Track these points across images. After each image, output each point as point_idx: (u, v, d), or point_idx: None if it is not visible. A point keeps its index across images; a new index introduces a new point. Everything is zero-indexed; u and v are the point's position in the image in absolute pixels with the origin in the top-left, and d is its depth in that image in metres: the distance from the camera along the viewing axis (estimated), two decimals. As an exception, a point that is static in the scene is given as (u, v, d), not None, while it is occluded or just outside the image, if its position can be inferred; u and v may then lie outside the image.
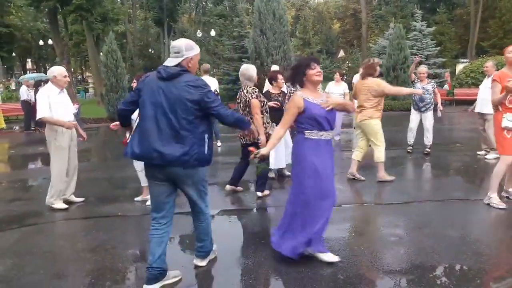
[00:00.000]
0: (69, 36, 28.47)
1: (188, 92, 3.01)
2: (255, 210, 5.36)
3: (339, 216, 4.70)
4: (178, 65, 3.09)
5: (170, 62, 3.12)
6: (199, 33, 32.59)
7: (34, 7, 23.36)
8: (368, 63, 6.32)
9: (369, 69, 6.21)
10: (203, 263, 3.63)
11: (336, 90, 9.99)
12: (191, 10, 48.50)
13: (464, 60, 28.39)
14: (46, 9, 22.67)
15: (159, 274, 3.23)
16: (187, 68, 3.13)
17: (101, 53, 19.77)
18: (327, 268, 3.52)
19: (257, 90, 5.45)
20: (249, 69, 5.46)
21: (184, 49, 3.11)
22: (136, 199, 5.76)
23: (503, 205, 4.96)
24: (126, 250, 4.13)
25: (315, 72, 3.54)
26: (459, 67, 24.30)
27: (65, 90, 5.59)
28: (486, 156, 7.83)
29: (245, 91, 5.44)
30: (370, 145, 6.49)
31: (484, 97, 7.65)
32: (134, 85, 5.92)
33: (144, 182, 5.38)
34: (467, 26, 32.12)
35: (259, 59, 16.98)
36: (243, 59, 20.33)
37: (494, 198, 5.04)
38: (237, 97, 5.67)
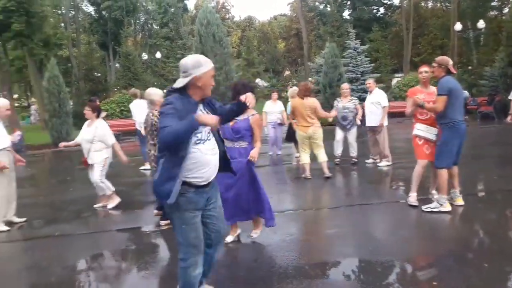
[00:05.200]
0: (10, 62, 27.79)
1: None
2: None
3: (282, 220, 5.29)
4: (186, 85, 2.84)
5: (177, 83, 2.86)
6: (144, 56, 32.76)
7: (-30, 34, 22.75)
8: (306, 86, 7.67)
9: (307, 91, 7.54)
10: None
11: (273, 109, 10.59)
12: (136, 33, 48.56)
13: (399, 75, 30.26)
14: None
15: None
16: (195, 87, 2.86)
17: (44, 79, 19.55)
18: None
19: None
20: (150, 94, 5.61)
21: (190, 67, 2.84)
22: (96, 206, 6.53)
23: (415, 203, 5.63)
24: (60, 266, 4.41)
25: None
26: (394, 81, 25.94)
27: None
28: (379, 164, 8.76)
29: (150, 114, 5.44)
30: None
31: (370, 111, 8.71)
32: (88, 112, 6.31)
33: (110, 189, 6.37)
34: (402, 43, 34.27)
35: (202, 80, 17.45)
36: (188, 81, 20.78)
37: (411, 197, 5.72)
38: (144, 121, 5.78)
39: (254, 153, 4.51)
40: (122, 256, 4.73)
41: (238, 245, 4.69)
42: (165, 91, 3.18)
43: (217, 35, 17.48)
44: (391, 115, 19.43)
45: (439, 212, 5.32)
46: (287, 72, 43.08)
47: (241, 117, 4.32)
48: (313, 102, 7.59)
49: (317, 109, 7.55)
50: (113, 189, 6.48)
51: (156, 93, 5.64)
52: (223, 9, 59.28)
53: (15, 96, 39.21)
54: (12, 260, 4.80)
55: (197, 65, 2.83)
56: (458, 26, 25.18)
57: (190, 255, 2.95)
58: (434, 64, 5.38)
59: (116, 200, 6.55)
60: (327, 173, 7.71)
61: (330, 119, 8.53)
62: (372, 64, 23.35)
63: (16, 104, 32.80)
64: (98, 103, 11.04)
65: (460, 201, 5.56)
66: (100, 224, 5.94)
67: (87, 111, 6.30)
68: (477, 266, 3.84)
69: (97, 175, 6.28)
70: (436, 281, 3.57)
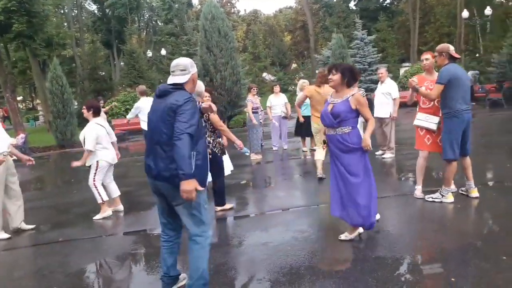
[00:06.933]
0: (12, 64, 27.67)
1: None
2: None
3: (293, 217, 5.09)
4: (187, 82, 3.24)
5: (179, 79, 3.21)
6: (149, 53, 32.54)
7: (-29, 36, 22.58)
8: (324, 73, 7.07)
9: (323, 78, 7.00)
10: None
11: (277, 102, 10.53)
12: (141, 30, 48.36)
13: (406, 64, 29.86)
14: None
15: (172, 281, 3.45)
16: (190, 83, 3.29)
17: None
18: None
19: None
20: (199, 86, 5.44)
21: (189, 66, 3.27)
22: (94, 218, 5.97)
23: (421, 196, 5.48)
24: (63, 274, 4.17)
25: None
26: (402, 71, 25.60)
27: None
28: (383, 156, 8.51)
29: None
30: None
31: (380, 101, 8.43)
32: (84, 111, 6.01)
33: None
34: (409, 32, 33.88)
35: (208, 76, 17.23)
36: (193, 77, 20.57)
37: (417, 190, 5.58)
38: None
39: (367, 139, 3.99)
40: (129, 261, 4.47)
41: (248, 245, 4.44)
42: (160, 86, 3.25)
43: (222, 29, 17.21)
44: (399, 105, 19.28)
45: (442, 202, 5.20)
46: (293, 65, 42.62)
47: (339, 99, 4.10)
48: (330, 89, 7.24)
49: None
50: (106, 198, 6.00)
51: (201, 84, 5.43)
52: (228, 4, 58.91)
53: (19, 98, 39.26)
54: (13, 268, 4.55)
55: (193, 65, 3.34)
56: (465, 14, 24.74)
57: (208, 232, 3.27)
58: (435, 53, 5.22)
59: (105, 213, 6.00)
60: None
61: None
62: (380, 54, 23.07)
63: (21, 106, 32.70)
64: (101, 103, 10.81)
65: (475, 192, 5.35)
66: (105, 227, 5.69)
67: (83, 110, 6.00)
68: (495, 259, 3.61)
69: (90, 177, 5.94)
70: (453, 276, 3.35)
